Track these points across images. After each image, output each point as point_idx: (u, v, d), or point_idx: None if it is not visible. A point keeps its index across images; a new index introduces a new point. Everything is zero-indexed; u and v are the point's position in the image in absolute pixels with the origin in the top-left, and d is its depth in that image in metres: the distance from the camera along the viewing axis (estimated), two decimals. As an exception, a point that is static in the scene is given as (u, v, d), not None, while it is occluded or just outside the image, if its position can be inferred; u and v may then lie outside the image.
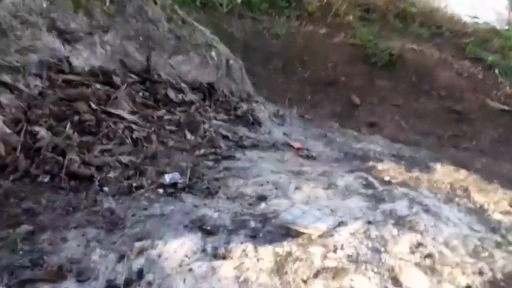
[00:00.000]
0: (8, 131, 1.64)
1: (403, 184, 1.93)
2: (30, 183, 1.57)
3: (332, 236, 1.40)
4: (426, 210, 1.64)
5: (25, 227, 1.33)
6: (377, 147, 2.67)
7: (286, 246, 1.33)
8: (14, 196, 1.48)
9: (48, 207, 1.47)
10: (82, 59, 2.12)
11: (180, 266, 1.23)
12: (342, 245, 1.36)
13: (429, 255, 1.38)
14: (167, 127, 2.18)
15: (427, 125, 4.92)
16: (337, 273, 1.25)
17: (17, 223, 1.35)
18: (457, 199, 1.85)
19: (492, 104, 4.86)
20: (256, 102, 3.17)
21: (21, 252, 1.23)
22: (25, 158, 1.62)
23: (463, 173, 2.17)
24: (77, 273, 1.18)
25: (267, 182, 1.80)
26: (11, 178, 1.55)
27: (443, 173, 2.16)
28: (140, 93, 2.37)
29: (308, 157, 2.38)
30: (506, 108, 4.77)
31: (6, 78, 1.78)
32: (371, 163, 2.20)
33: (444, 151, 4.39)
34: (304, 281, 1.22)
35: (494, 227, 1.65)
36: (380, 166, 2.15)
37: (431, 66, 5.20)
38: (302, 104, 4.70)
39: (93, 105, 2.00)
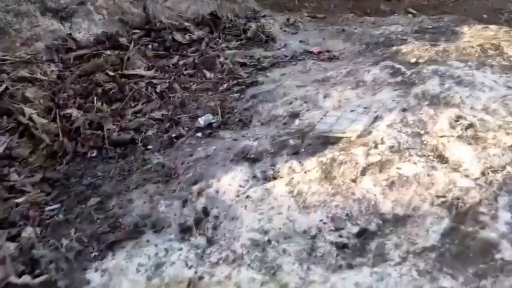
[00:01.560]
0: (44, 121, 1.74)
1: (431, 61, 1.87)
2: (82, 161, 1.68)
3: (370, 133, 1.43)
4: (459, 82, 1.61)
5: (93, 200, 1.46)
6: (397, 27, 2.56)
7: (328, 154, 1.38)
8: (74, 176, 1.61)
9: (106, 178, 1.58)
10: (84, 31, 2.12)
11: (238, 195, 1.33)
12: (382, 139, 1.39)
13: (470, 126, 1.39)
14: (186, 72, 2.20)
15: (450, -19, 4.56)
16: (383, 165, 1.30)
17: (85, 198, 1.48)
18: (489, 60, 1.79)
19: None
20: (264, 17, 3.07)
21: (98, 221, 1.37)
22: (69, 140, 1.72)
23: (492, 28, 2.06)
24: (151, 225, 1.32)
25: (295, 98, 1.82)
26: (65, 161, 1.68)
27: (471, 35, 2.06)
28: (149, 46, 2.36)
29: (330, 59, 2.34)
30: None
31: (23, 73, 1.84)
32: (394, 48, 2.13)
33: (471, 4, 4.12)
34: (353, 180, 1.28)
35: (532, 78, 1.60)
36: (404, 48, 2.08)
37: None
38: (312, 0, 4.47)
39: (110, 73, 2.04)
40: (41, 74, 1.89)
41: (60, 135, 1.73)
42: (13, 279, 1.16)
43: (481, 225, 1.10)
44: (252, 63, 2.34)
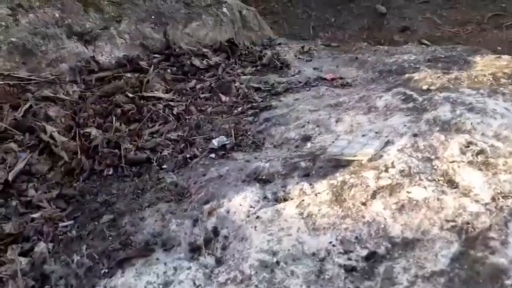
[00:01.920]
0: (64, 139, 1.80)
1: (443, 88, 1.89)
2: (98, 179, 1.73)
3: (381, 157, 1.44)
4: (471, 109, 1.62)
5: (107, 217, 1.49)
6: (410, 56, 2.60)
7: (339, 177, 1.40)
8: (89, 193, 1.65)
9: (120, 195, 1.62)
10: (106, 54, 2.21)
11: (248, 216, 1.34)
12: (392, 163, 1.40)
13: (480, 152, 1.39)
14: (202, 95, 2.26)
15: (463, 14, 4.63)
16: (393, 189, 1.31)
17: (99, 215, 1.51)
18: (501, 88, 1.80)
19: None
20: (279, 44, 3.14)
21: (110, 238, 1.39)
22: (86, 158, 1.78)
23: (505, 58, 2.08)
24: (161, 244, 1.34)
25: (308, 122, 1.85)
26: (81, 179, 1.72)
27: (484, 64, 2.08)
28: (168, 70, 2.44)
29: (343, 85, 2.38)
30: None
31: (47, 92, 1.92)
32: (406, 75, 2.16)
33: (486, 35, 4.15)
34: (364, 203, 1.29)
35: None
36: (416, 76, 2.11)
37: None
38: (327, 29, 4.57)
39: (130, 94, 2.11)
40: (63, 94, 1.98)
41: (79, 153, 1.79)
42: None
43: (491, 251, 1.09)
44: (267, 88, 2.40)
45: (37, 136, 1.81)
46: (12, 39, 2.05)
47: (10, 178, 1.62)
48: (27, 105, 1.91)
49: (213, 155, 1.79)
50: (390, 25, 4.51)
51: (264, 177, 1.51)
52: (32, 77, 2.04)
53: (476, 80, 1.95)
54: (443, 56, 2.47)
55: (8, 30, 2.06)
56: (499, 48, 3.70)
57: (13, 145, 1.75)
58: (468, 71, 2.07)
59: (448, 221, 1.19)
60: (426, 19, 4.56)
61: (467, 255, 1.10)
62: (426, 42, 4.04)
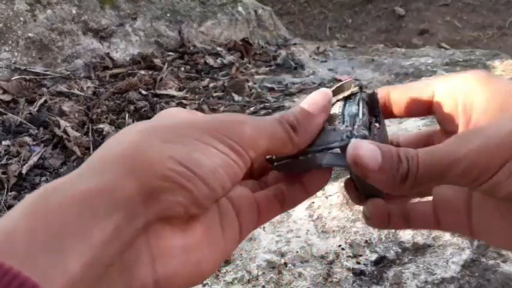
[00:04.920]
0: (77, 134, 1.82)
1: (459, 92, 1.86)
2: (110, 174, 1.74)
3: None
4: (487, 113, 1.59)
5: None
6: (428, 59, 2.56)
7: (350, 180, 1.38)
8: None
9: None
10: (121, 51, 2.23)
11: (257, 217, 1.34)
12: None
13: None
14: (215, 94, 2.26)
15: (484, 18, 4.55)
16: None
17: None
18: (520, 93, 1.76)
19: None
20: (294, 44, 3.13)
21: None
22: (99, 154, 1.79)
23: (525, 63, 2.03)
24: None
25: (320, 123, 1.83)
26: (93, 174, 1.74)
27: (503, 69, 2.03)
28: (182, 68, 2.45)
29: (358, 87, 2.35)
30: None
31: (62, 88, 1.95)
32: (423, 79, 2.13)
33: (507, 40, 4.07)
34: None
35: None
36: (432, 79, 2.07)
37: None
38: (344, 30, 4.54)
39: (143, 92, 2.12)
40: (78, 89, 2.00)
41: (91, 148, 1.81)
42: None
43: (503, 259, 1.07)
44: (280, 89, 2.39)
45: (51, 130, 1.83)
46: (30, 34, 2.09)
47: (24, 171, 1.64)
48: (42, 100, 1.94)
49: (223, 154, 1.78)
50: (409, 28, 4.46)
51: (274, 177, 1.50)
52: (47, 72, 2.07)
53: (494, 84, 1.91)
54: (461, 59, 2.43)
55: (25, 25, 2.10)
56: (520, 52, 3.62)
57: (27, 139, 1.78)
58: (486, 75, 2.03)
59: (460, 227, 1.16)
60: (446, 22, 4.49)
61: (478, 262, 1.08)
62: (445, 45, 3.97)
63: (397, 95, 0.48)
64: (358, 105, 0.45)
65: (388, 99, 0.49)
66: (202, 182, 0.33)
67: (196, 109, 2.12)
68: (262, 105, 2.18)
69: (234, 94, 2.27)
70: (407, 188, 0.37)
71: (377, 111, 0.47)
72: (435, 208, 0.46)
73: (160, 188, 0.32)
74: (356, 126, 0.42)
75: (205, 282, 1.20)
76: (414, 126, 1.62)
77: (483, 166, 0.34)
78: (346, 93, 0.46)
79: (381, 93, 0.49)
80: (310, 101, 0.42)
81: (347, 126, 0.42)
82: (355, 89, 0.47)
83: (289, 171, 0.45)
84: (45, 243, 0.28)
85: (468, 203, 0.43)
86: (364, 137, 0.41)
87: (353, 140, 0.40)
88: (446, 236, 1.15)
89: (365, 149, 0.38)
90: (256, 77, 2.50)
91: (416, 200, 0.50)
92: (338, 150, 0.41)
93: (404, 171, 0.36)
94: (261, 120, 0.40)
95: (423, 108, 0.46)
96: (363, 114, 0.44)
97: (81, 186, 0.30)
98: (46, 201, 0.29)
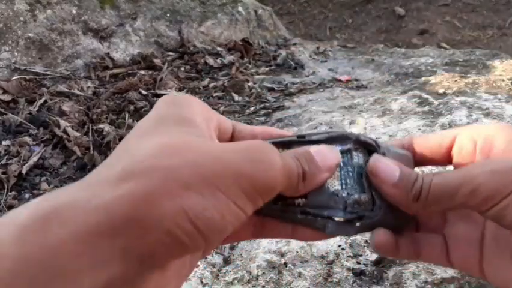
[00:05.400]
0: (77, 134, 1.82)
1: (459, 92, 1.86)
2: (110, 174, 1.74)
3: (393, 160, 1.42)
4: (487, 114, 1.59)
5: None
6: (428, 59, 2.56)
7: (350, 180, 1.38)
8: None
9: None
10: (121, 51, 2.23)
11: (256, 218, 1.34)
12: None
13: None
14: (215, 94, 2.26)
15: (484, 17, 4.55)
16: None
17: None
18: (520, 93, 1.76)
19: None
20: (294, 44, 3.13)
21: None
22: (99, 154, 1.79)
23: (525, 63, 2.03)
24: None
25: (321, 123, 1.83)
26: (93, 174, 1.73)
27: (503, 69, 2.03)
28: (182, 68, 2.45)
29: (358, 87, 2.36)
30: None
31: (62, 88, 1.95)
32: (423, 79, 2.13)
33: (507, 40, 4.07)
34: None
35: None
36: (433, 79, 2.07)
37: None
38: (344, 30, 4.54)
39: (143, 92, 2.12)
40: (78, 89, 2.00)
41: (91, 148, 1.80)
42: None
43: (504, 260, 1.06)
44: (280, 89, 2.39)
45: (51, 130, 1.83)
46: (30, 34, 2.08)
47: (24, 171, 1.64)
48: (42, 100, 1.93)
49: (224, 154, 1.78)
50: (409, 27, 4.45)
51: (274, 177, 1.49)
52: (47, 72, 2.07)
53: (494, 84, 1.91)
54: (461, 59, 2.43)
55: (25, 25, 2.10)
56: (520, 53, 3.62)
57: (27, 139, 1.78)
58: (486, 75, 2.03)
59: (460, 227, 1.16)
60: (446, 22, 4.48)
61: (479, 263, 1.08)
62: (445, 45, 3.97)
63: (420, 141, 0.47)
64: (352, 161, 0.43)
65: (411, 147, 0.48)
66: (204, 240, 0.31)
67: (196, 109, 2.12)
68: (262, 105, 2.18)
69: (234, 94, 2.27)
70: (420, 207, 0.39)
71: (373, 149, 0.45)
72: (447, 243, 0.45)
73: (158, 243, 0.30)
74: (353, 197, 0.41)
75: (205, 282, 1.20)
76: (414, 126, 1.63)
77: (492, 188, 0.35)
78: (340, 148, 0.43)
79: (405, 141, 0.48)
80: (322, 157, 0.40)
81: (348, 194, 0.41)
82: (347, 147, 0.44)
83: (280, 219, 0.41)
84: (31, 285, 0.26)
85: (480, 242, 0.43)
86: (357, 203, 0.41)
87: (375, 155, 0.42)
88: (446, 236, 1.15)
89: (384, 165, 0.40)
90: (256, 77, 2.50)
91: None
92: (341, 218, 0.41)
93: (418, 189, 0.38)
94: (286, 158, 0.36)
95: (444, 154, 0.45)
96: (358, 174, 0.42)
97: (90, 218, 0.29)
98: (48, 227, 0.28)
